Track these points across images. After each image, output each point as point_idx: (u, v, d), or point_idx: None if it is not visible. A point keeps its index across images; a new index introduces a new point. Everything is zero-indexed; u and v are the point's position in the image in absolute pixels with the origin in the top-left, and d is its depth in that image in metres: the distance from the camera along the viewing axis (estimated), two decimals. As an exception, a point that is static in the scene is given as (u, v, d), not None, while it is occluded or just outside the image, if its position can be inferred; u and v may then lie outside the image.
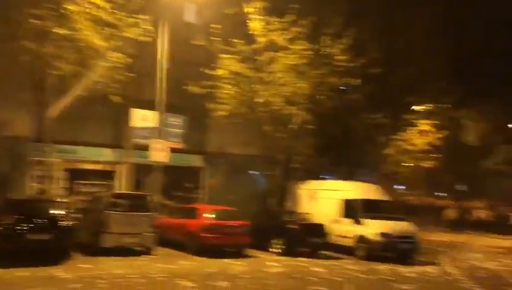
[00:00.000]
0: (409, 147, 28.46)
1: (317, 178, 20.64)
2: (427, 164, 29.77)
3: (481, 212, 30.93)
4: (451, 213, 29.44)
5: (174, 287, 9.28)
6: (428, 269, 13.96)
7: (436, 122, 28.50)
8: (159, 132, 16.91)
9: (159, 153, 16.29)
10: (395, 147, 27.94)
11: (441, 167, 50.01)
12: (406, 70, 20.15)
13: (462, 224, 30.06)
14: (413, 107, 26.87)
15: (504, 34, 23.53)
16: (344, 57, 17.21)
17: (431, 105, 27.04)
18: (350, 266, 13.60)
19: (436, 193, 57.03)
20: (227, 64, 16.59)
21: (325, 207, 17.01)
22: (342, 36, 17.10)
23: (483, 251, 20.14)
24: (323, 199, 17.33)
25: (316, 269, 12.51)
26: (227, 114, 16.91)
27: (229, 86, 16.97)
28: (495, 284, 12.18)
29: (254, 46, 16.66)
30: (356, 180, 18.73)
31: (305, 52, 16.89)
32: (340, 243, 16.14)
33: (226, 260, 13.05)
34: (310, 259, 14.26)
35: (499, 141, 27.60)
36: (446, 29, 22.93)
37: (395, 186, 71.18)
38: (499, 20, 23.94)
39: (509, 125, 25.15)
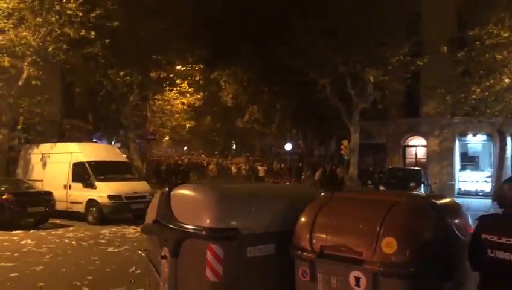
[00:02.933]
0: (170, 108, 28.55)
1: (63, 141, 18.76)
2: (188, 124, 30.45)
3: (241, 167, 33.05)
4: (213, 169, 30.70)
5: None
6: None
7: (194, 82, 29.13)
8: None
9: None
10: (155, 107, 27.62)
11: (212, 127, 52.49)
12: (150, 27, 19.32)
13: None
14: (177, 68, 26.88)
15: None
16: (73, 5, 15.52)
17: (189, 66, 27.36)
18: (71, 233, 12.53)
19: (216, 153, 60.41)
20: None
21: (56, 172, 15.46)
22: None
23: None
24: (54, 164, 15.70)
25: (25, 242, 11.07)
26: None
27: None
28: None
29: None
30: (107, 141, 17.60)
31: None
32: (73, 210, 14.96)
33: None
34: (32, 231, 12.72)
35: (247, 101, 29.65)
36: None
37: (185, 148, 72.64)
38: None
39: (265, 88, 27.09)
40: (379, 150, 31.49)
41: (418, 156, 29.69)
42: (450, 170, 27.56)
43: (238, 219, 4.23)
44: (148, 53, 19.95)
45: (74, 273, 8.07)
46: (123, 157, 16.73)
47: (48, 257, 9.47)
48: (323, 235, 3.99)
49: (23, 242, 11.05)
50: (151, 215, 5.01)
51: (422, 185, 20.82)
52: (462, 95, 19.84)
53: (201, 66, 27.52)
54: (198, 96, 29.50)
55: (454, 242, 3.96)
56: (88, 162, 14.88)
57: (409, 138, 29.83)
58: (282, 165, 34.55)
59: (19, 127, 16.41)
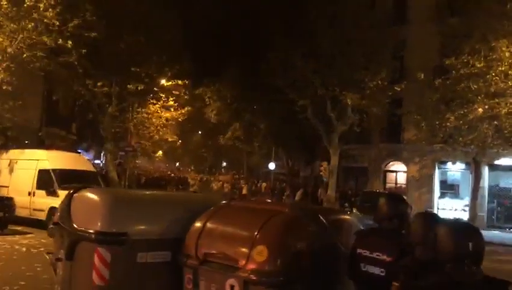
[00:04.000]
0: (152, 121, 28.56)
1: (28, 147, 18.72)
2: (171, 138, 30.47)
3: (223, 185, 33.03)
4: (195, 186, 30.76)
5: None
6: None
7: (179, 97, 29.25)
8: None
9: None
10: (136, 120, 27.63)
11: (201, 143, 52.45)
12: (130, 39, 19.48)
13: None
14: (163, 82, 27.04)
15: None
16: (51, 14, 15.65)
17: (173, 81, 27.54)
18: (27, 240, 12.38)
19: (202, 168, 60.49)
20: None
21: (22, 178, 15.35)
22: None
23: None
24: (20, 170, 15.61)
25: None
26: None
27: None
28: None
29: None
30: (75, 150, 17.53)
31: (3, 2, 14.85)
32: (35, 217, 14.78)
33: None
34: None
35: (230, 119, 29.80)
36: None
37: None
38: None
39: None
40: (361, 173, 31.59)
41: (398, 182, 29.76)
42: (429, 197, 27.59)
43: (129, 224, 4.23)
44: (127, 65, 20.04)
45: (9, 278, 7.97)
46: (91, 167, 16.67)
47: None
48: (208, 243, 4.00)
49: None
50: (55, 217, 5.00)
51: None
52: (437, 122, 19.99)
53: (186, 82, 27.66)
54: (183, 111, 29.55)
55: (336, 255, 3.96)
56: (53, 169, 14.80)
57: (390, 163, 29.94)
58: (264, 185, 34.50)
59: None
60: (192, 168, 62.73)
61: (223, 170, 60.78)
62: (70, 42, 16.60)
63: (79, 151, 41.46)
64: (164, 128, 29.78)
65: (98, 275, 4.08)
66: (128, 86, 20.44)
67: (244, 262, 3.62)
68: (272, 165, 35.32)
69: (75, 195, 4.69)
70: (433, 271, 2.63)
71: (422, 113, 20.86)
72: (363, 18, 22.66)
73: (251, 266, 3.57)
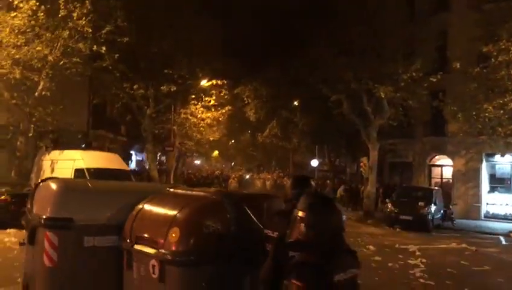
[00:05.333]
0: (195, 121, 29.35)
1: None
2: (212, 137, 31.16)
3: (265, 183, 33.35)
4: (232, 183, 31.25)
5: None
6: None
7: (220, 97, 29.84)
8: None
9: None
10: (179, 120, 28.51)
11: (250, 142, 52.90)
12: (161, 43, 20.21)
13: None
14: (203, 83, 27.78)
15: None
16: (83, 22, 16.61)
17: (214, 81, 28.17)
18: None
19: (252, 167, 61.23)
20: None
21: (61, 177, 16.38)
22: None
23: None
24: (59, 169, 16.62)
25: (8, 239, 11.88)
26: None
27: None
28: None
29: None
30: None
31: (39, 13, 15.92)
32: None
33: None
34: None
35: (266, 117, 30.05)
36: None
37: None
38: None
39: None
40: (406, 168, 30.83)
41: (444, 176, 28.74)
42: (476, 191, 26.44)
43: (75, 210, 4.59)
44: (160, 68, 20.81)
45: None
46: (124, 166, 17.48)
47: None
48: (139, 226, 4.28)
49: (6, 240, 11.85)
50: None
51: (433, 205, 20.18)
52: (474, 113, 19.21)
53: (225, 82, 28.19)
54: (223, 111, 30.13)
55: (259, 239, 4.09)
56: (87, 168, 15.70)
57: (435, 157, 28.98)
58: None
59: (30, 134, 17.52)
60: (241, 167, 63.49)
61: (273, 168, 61.13)
62: (104, 48, 17.52)
63: (131, 152, 43.17)
64: (206, 128, 30.48)
65: (48, 257, 4.48)
66: (162, 88, 21.17)
67: (162, 243, 3.87)
68: (314, 162, 35.18)
69: (39, 185, 5.13)
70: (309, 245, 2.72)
71: (459, 103, 20.11)
72: (400, 9, 22.24)
73: (167, 246, 3.82)
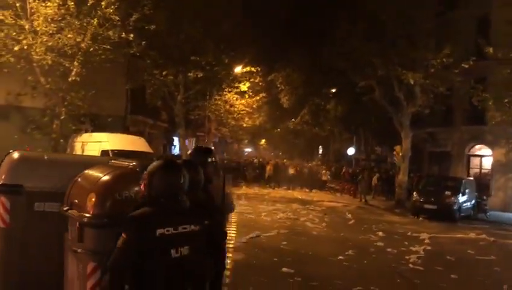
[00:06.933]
0: (228, 108, 29.91)
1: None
2: (246, 124, 31.62)
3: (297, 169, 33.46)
4: (270, 169, 31.60)
5: None
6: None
7: (255, 84, 30.20)
8: None
9: None
10: (214, 107, 29.16)
11: (292, 130, 53.04)
12: (189, 30, 20.72)
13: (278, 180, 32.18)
14: (238, 69, 28.23)
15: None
16: (111, 10, 17.36)
17: (248, 67, 28.57)
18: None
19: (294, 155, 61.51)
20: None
21: (89, 158, 17.35)
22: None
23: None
24: (88, 151, 17.55)
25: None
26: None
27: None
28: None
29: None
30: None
31: (69, 2, 16.79)
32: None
33: None
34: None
35: (297, 104, 29.97)
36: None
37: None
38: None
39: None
40: (445, 158, 29.96)
41: (483, 167, 27.71)
42: (516, 182, 25.39)
43: (25, 178, 5.10)
44: (188, 54, 21.33)
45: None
46: (148, 149, 18.19)
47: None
48: (73, 193, 4.72)
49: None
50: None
51: (461, 195, 19.63)
52: (506, 100, 18.46)
53: (258, 69, 28.47)
54: (258, 98, 30.46)
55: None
56: (112, 150, 16.49)
57: (474, 147, 27.99)
58: (344, 169, 34.17)
59: (62, 117, 18.53)
60: (285, 154, 63.80)
61: (319, 156, 60.97)
62: (132, 35, 18.23)
63: (173, 138, 44.22)
64: (243, 115, 30.92)
65: (1, 219, 5.03)
66: (189, 74, 21.74)
67: (84, 207, 4.28)
68: (351, 151, 34.86)
69: (6, 156, 5.67)
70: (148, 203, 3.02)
71: (492, 91, 19.37)
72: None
73: (86, 210, 4.22)
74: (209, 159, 4.15)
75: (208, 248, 3.20)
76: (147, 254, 2.77)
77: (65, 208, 4.68)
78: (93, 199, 4.18)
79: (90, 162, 5.37)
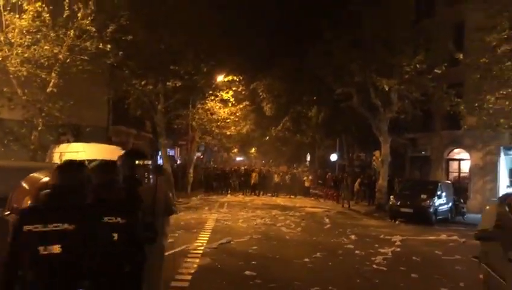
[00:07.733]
0: (211, 117, 30.05)
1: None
2: (229, 132, 31.77)
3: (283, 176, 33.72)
4: (255, 177, 31.85)
5: None
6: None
7: (239, 93, 30.41)
8: None
9: None
10: (196, 115, 29.29)
11: (278, 137, 53.17)
12: (166, 39, 20.95)
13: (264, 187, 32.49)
14: (220, 78, 28.45)
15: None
16: (87, 21, 17.55)
17: (230, 76, 28.80)
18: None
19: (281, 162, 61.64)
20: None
21: (66, 168, 17.42)
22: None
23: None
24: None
25: None
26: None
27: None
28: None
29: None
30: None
31: (44, 14, 16.96)
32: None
33: None
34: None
35: (279, 111, 30.31)
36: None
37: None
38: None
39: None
40: (425, 163, 30.35)
41: (462, 170, 28.11)
42: (493, 186, 25.74)
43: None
44: (167, 64, 21.54)
45: None
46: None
47: None
48: (14, 198, 4.89)
49: None
50: None
51: (437, 198, 19.94)
52: (476, 104, 18.84)
53: (240, 77, 28.72)
54: (241, 106, 30.68)
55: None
56: (88, 160, 16.59)
57: (452, 151, 28.39)
58: (327, 176, 34.46)
59: (39, 128, 18.61)
60: (273, 162, 63.95)
61: (307, 162, 61.22)
62: (109, 46, 18.40)
63: (158, 148, 43.92)
64: (229, 123, 31.03)
65: None
66: (168, 83, 21.93)
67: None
68: (333, 157, 35.19)
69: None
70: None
71: (465, 96, 19.78)
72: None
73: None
74: (138, 162, 4.37)
75: (125, 245, 3.35)
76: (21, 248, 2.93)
77: (6, 213, 4.84)
78: (29, 202, 4.35)
79: (34, 168, 5.54)
